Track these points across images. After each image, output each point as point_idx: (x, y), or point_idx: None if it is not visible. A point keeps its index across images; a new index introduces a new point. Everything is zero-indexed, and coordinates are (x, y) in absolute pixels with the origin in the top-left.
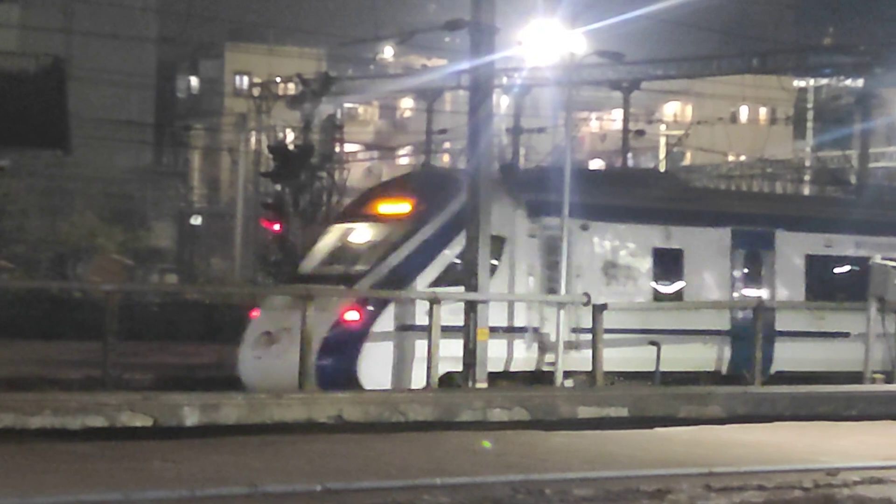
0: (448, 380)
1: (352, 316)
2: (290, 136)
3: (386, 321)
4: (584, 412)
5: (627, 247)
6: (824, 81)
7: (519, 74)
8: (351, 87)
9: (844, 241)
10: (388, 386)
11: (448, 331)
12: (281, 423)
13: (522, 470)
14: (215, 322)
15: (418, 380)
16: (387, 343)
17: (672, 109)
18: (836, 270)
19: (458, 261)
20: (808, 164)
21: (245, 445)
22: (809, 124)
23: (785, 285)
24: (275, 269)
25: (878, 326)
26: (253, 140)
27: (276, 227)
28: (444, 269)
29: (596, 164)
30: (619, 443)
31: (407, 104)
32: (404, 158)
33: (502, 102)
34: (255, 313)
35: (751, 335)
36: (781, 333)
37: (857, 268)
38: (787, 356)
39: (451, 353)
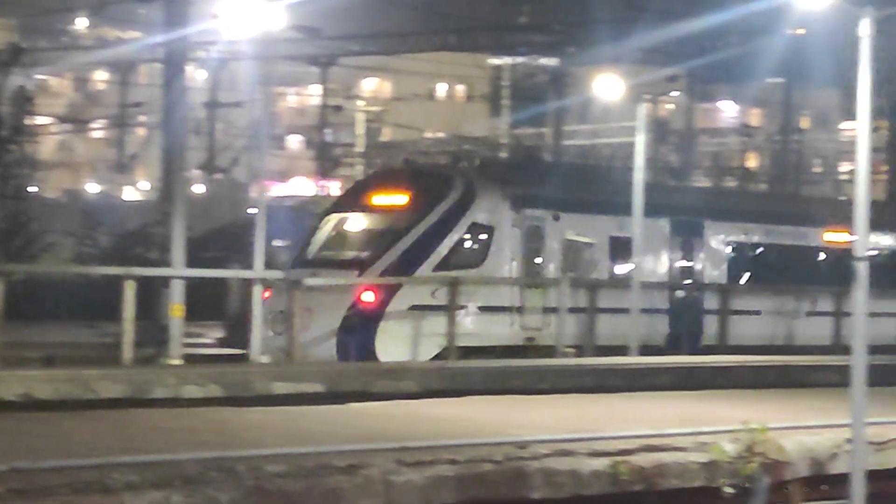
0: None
1: (368, 297)
2: None
3: (398, 302)
4: (280, 388)
5: (589, 234)
6: (520, 60)
7: (215, 48)
8: (43, 58)
9: (758, 230)
10: (401, 359)
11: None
12: None
13: (215, 447)
14: None
15: (426, 354)
16: (399, 321)
17: (370, 85)
18: (753, 255)
19: (458, 248)
20: (504, 140)
21: None
22: (505, 102)
23: (713, 268)
24: None
25: (568, 301)
26: None
27: None
28: (447, 255)
29: (294, 140)
30: (313, 418)
31: (101, 77)
32: (98, 132)
33: (200, 76)
34: (268, 294)
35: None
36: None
37: (770, 252)
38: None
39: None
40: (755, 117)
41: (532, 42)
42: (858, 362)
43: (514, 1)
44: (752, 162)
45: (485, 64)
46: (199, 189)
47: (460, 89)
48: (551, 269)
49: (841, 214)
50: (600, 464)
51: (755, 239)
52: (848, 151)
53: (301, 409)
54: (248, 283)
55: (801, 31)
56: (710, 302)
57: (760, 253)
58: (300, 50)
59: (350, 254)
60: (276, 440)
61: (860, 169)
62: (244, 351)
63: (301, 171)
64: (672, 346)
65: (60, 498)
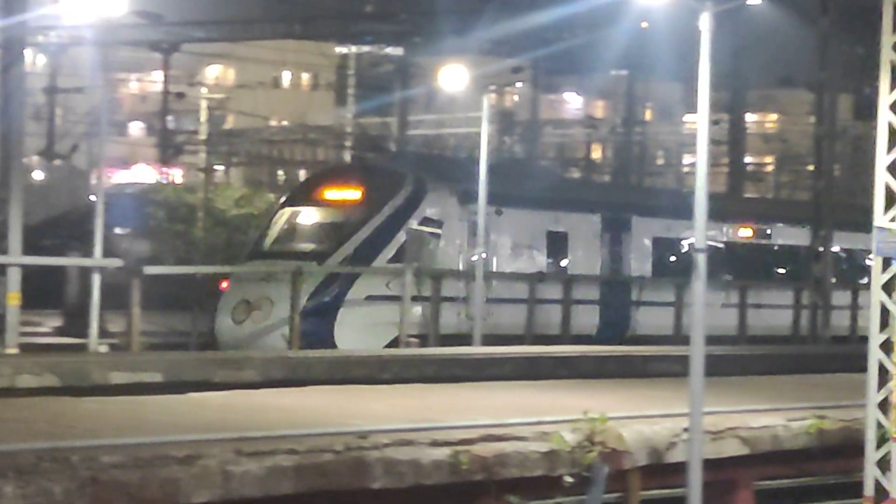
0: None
1: (328, 288)
2: None
3: (356, 292)
4: (118, 377)
5: (529, 229)
6: (366, 49)
7: (55, 33)
8: None
9: (679, 226)
10: (358, 346)
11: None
12: None
13: (49, 437)
14: None
15: (382, 342)
16: (357, 310)
17: (214, 72)
18: (673, 249)
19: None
20: (349, 130)
21: None
22: (350, 91)
23: (638, 261)
24: None
25: (412, 290)
26: None
27: None
28: (400, 247)
29: (135, 127)
30: (151, 408)
31: None
32: None
33: (39, 61)
34: (226, 284)
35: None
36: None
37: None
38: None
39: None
40: (599, 109)
41: (378, 31)
42: (696, 353)
43: None
44: (596, 153)
45: (330, 52)
46: (37, 176)
47: (305, 78)
48: (494, 262)
49: (751, 211)
50: (441, 453)
51: (676, 234)
52: (690, 144)
53: (139, 398)
54: (87, 272)
55: (644, 25)
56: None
57: (682, 247)
58: (142, 36)
59: (308, 246)
60: (113, 430)
61: (700, 161)
62: (83, 340)
63: (143, 158)
64: (603, 336)
65: None
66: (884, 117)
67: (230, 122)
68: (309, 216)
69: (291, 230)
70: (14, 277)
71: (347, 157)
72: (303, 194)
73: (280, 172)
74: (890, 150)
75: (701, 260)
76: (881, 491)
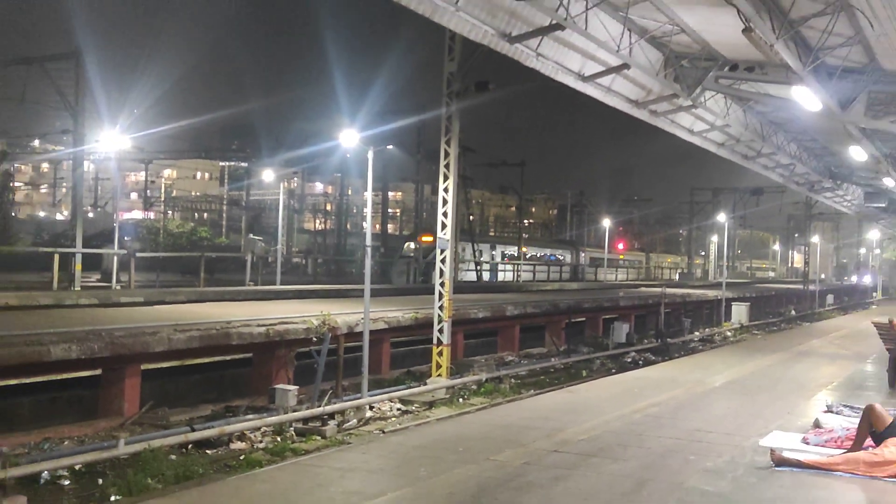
0: None
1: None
2: None
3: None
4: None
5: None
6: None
7: None
8: None
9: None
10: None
11: None
12: None
13: (91, 323)
14: None
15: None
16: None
17: None
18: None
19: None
20: None
21: None
22: None
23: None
24: None
25: None
26: None
27: None
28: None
29: None
30: (135, 314)
31: None
32: None
33: None
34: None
35: None
36: None
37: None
38: None
39: None
40: (331, 191)
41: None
42: (367, 288)
43: None
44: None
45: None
46: None
47: None
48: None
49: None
50: (261, 330)
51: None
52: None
53: (139, 308)
54: None
55: (348, 155)
56: None
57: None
58: None
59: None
60: (113, 322)
61: (369, 220)
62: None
63: None
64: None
65: None
66: (440, 194)
67: None
68: (414, 245)
69: (411, 248)
70: None
71: None
72: (412, 238)
73: None
74: (443, 207)
75: (369, 252)
76: (440, 342)
